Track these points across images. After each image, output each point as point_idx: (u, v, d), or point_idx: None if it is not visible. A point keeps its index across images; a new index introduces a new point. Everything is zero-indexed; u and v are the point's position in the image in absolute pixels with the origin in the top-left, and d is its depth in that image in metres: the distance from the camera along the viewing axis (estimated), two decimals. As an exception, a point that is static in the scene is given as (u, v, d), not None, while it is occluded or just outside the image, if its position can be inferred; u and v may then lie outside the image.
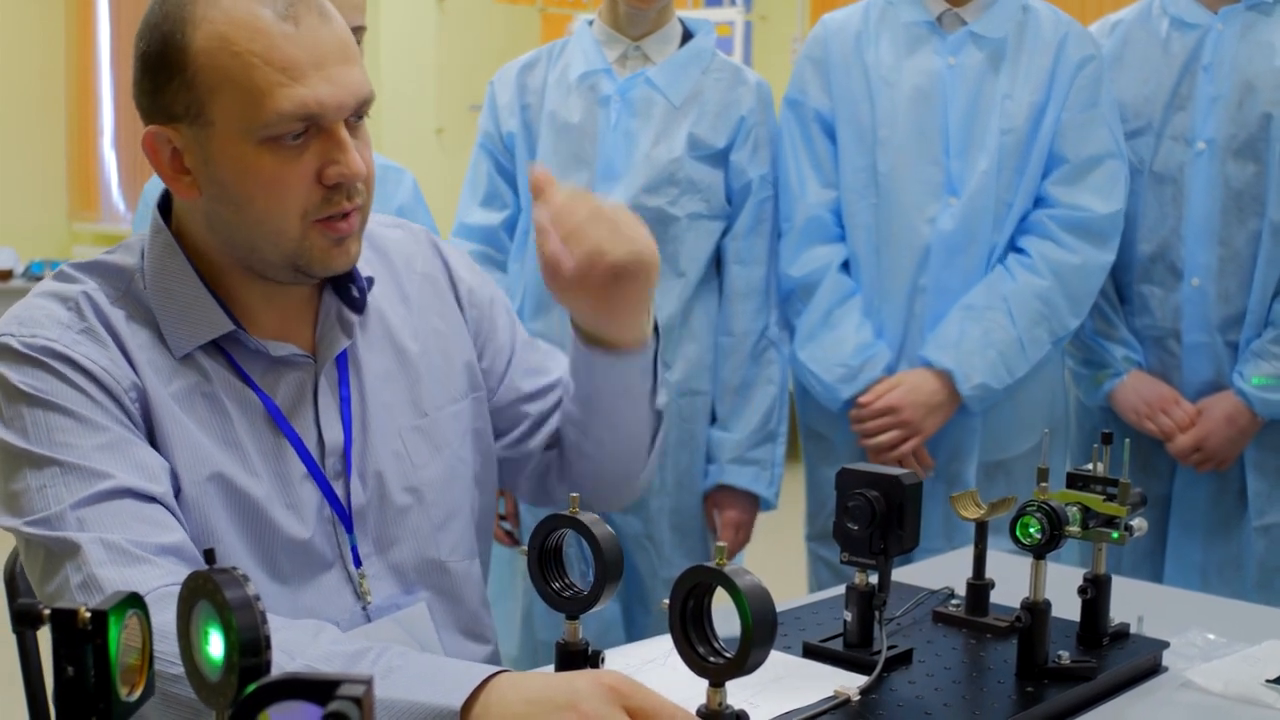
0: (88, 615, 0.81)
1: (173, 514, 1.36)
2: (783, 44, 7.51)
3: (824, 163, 2.55)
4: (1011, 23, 2.50)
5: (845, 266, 2.55)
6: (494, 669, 1.22)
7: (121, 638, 0.83)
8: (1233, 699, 1.49)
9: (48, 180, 9.73)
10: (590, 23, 2.62)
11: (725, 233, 2.55)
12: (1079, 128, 2.47)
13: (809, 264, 2.52)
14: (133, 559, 1.28)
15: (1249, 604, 2.00)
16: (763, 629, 1.13)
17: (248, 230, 1.41)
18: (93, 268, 1.46)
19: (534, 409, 1.73)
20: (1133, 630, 1.62)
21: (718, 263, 2.57)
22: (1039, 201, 2.50)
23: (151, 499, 1.34)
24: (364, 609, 1.50)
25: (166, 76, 1.37)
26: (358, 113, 1.41)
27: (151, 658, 0.87)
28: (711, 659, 1.17)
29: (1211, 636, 1.66)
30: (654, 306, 1.64)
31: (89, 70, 9.71)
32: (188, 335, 1.43)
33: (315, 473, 1.48)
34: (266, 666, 0.83)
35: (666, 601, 1.19)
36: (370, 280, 1.55)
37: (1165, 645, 1.60)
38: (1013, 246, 2.50)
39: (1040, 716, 1.41)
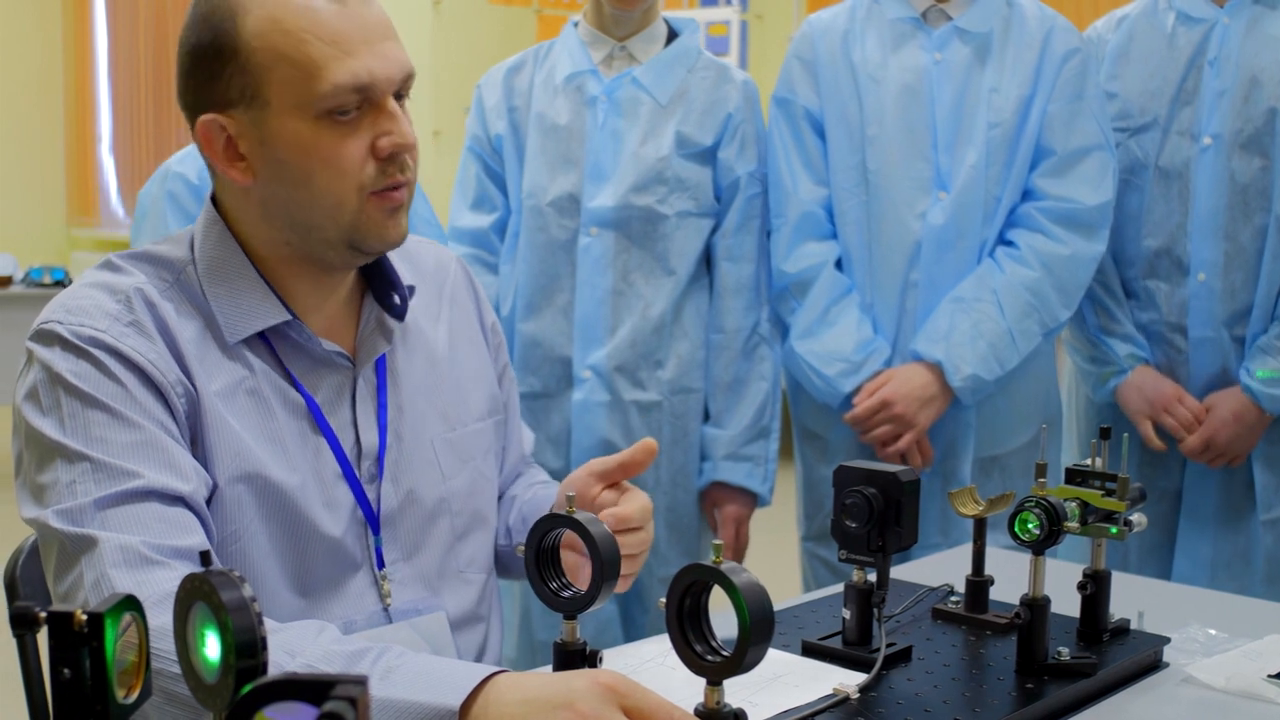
0: (84, 618, 0.81)
1: (198, 515, 1.36)
2: (778, 43, 7.51)
3: (815, 160, 2.55)
4: (996, 17, 2.51)
5: (839, 264, 2.55)
6: (493, 669, 1.22)
7: (119, 640, 0.83)
8: (1234, 694, 1.48)
9: (46, 186, 9.75)
10: (575, 24, 2.62)
11: (714, 230, 2.55)
12: (1065, 120, 2.47)
13: (803, 260, 2.52)
14: (147, 562, 1.28)
15: (1250, 599, 1.99)
16: (760, 627, 1.13)
17: (307, 208, 1.43)
18: (142, 258, 1.47)
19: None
20: (1133, 626, 1.62)
21: (707, 260, 2.57)
22: (1027, 194, 2.51)
23: (178, 499, 1.34)
24: (385, 610, 1.52)
25: (220, 64, 1.39)
26: (401, 89, 1.45)
27: (149, 659, 0.87)
28: (709, 657, 1.17)
29: (1212, 632, 1.66)
30: None
31: (87, 77, 9.72)
32: (242, 322, 1.44)
33: (349, 474, 1.50)
34: (263, 667, 0.82)
35: (664, 600, 1.19)
36: (411, 289, 1.57)
37: (1166, 641, 1.60)
38: (1002, 239, 2.51)
39: (1040, 713, 1.41)
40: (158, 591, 1.26)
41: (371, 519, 1.52)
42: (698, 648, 1.18)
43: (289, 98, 1.38)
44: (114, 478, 1.32)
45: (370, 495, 1.52)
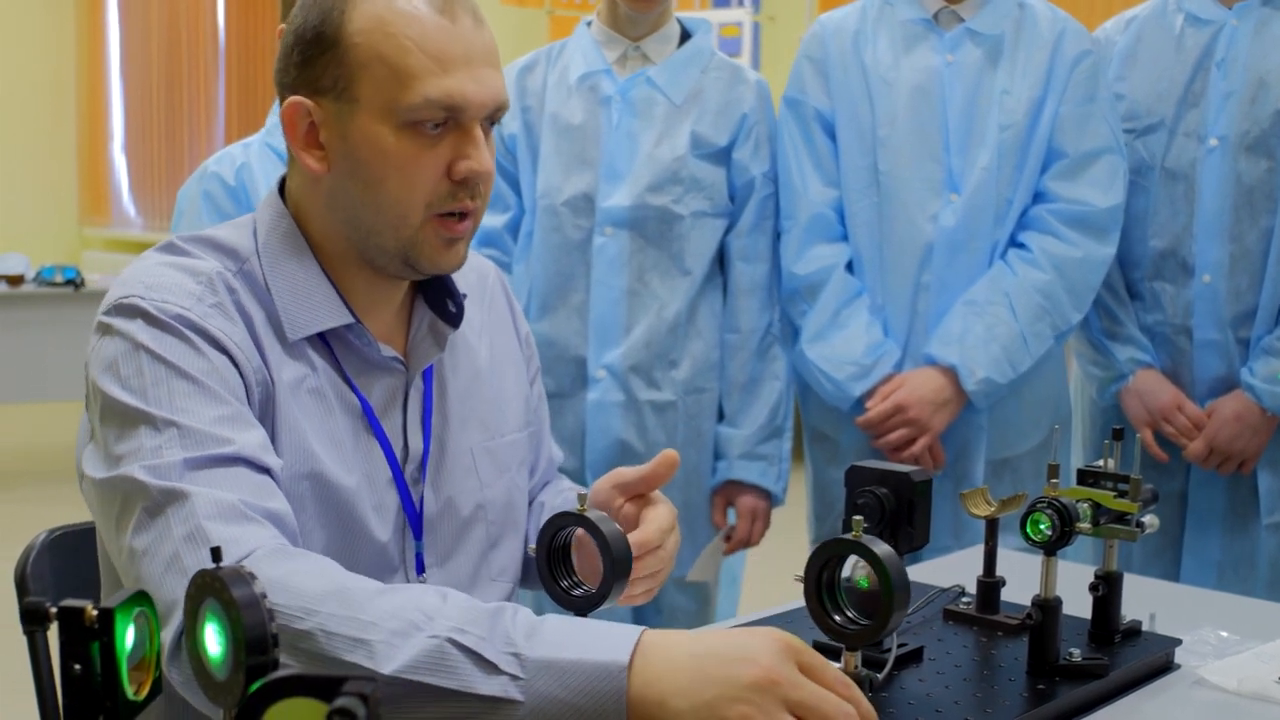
0: (94, 613, 0.81)
1: (281, 489, 1.34)
2: (791, 45, 7.49)
3: (825, 161, 2.55)
4: (1008, 20, 2.50)
5: (849, 266, 2.55)
6: (639, 627, 1.20)
7: (129, 635, 0.83)
8: (1246, 697, 1.48)
9: (58, 186, 9.78)
10: (588, 23, 2.62)
11: (728, 230, 2.55)
12: (1077, 122, 2.47)
13: (814, 262, 2.52)
14: (243, 517, 1.26)
15: (1262, 601, 1.99)
16: (901, 593, 1.19)
17: (372, 212, 1.42)
18: (205, 243, 1.45)
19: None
20: (1145, 628, 1.62)
21: (721, 260, 2.57)
22: (1038, 196, 2.51)
23: (265, 470, 1.32)
24: None
25: (319, 50, 1.40)
26: (492, 117, 1.44)
27: (159, 656, 0.87)
28: (850, 627, 1.23)
29: (1224, 634, 1.66)
30: None
31: (99, 76, 9.75)
32: (305, 321, 1.43)
33: (399, 478, 1.50)
34: (274, 664, 0.82)
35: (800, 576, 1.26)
36: (465, 297, 1.56)
37: (1178, 643, 1.60)
38: (1014, 242, 2.51)
39: (1052, 714, 1.40)
40: (263, 547, 1.24)
41: (415, 524, 1.51)
42: (837, 618, 1.24)
43: (378, 100, 1.38)
44: (203, 443, 1.29)
45: (415, 499, 1.51)
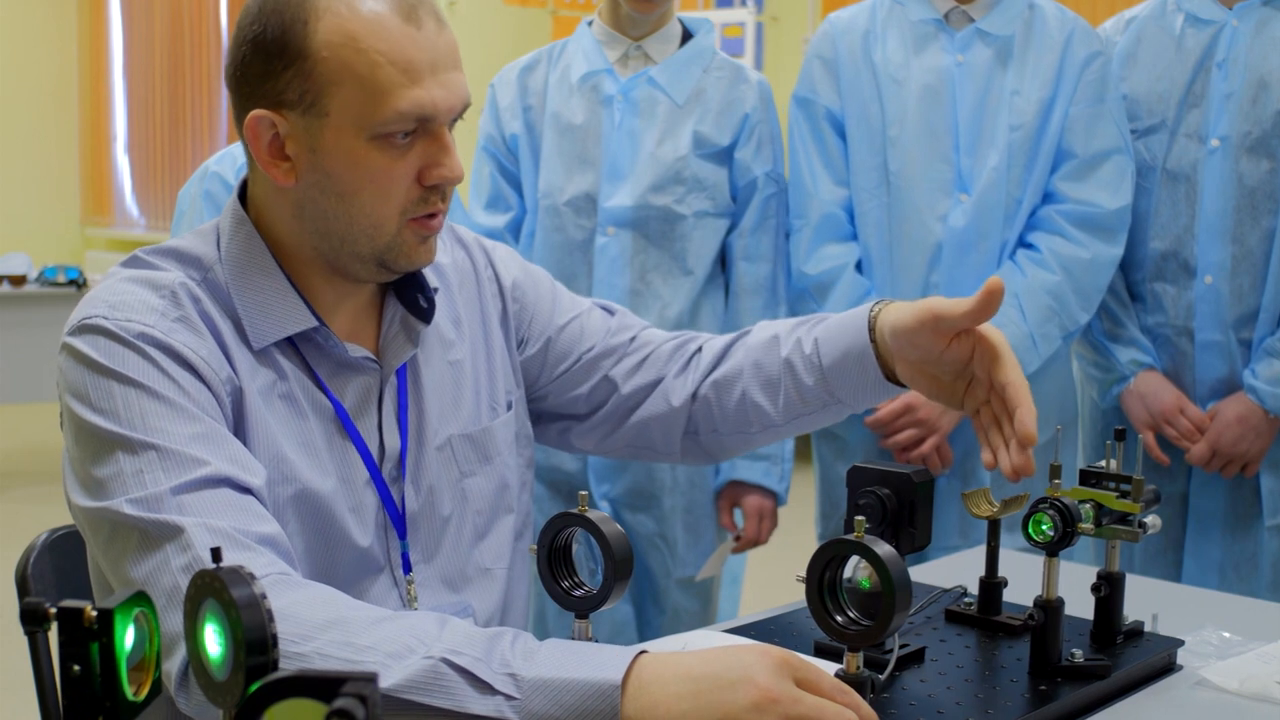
0: (94, 614, 0.81)
1: (265, 506, 1.34)
2: (794, 45, 7.50)
3: (835, 161, 2.55)
4: (1018, 20, 2.50)
5: (859, 265, 2.54)
6: (638, 647, 1.20)
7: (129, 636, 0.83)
8: (1248, 697, 1.48)
9: (61, 186, 9.79)
10: (590, 23, 2.62)
11: (730, 230, 2.55)
12: (1086, 123, 2.47)
13: (824, 262, 2.52)
14: (239, 545, 1.25)
15: (1264, 602, 1.98)
16: (903, 593, 1.19)
17: (346, 221, 1.42)
18: (169, 254, 1.44)
19: (617, 369, 1.75)
20: (1147, 628, 1.61)
21: (723, 260, 2.57)
22: (1047, 197, 2.50)
23: (247, 490, 1.32)
24: None
25: (283, 63, 1.37)
26: (459, 117, 1.44)
27: (159, 657, 0.87)
28: (852, 628, 1.23)
29: (1226, 635, 1.65)
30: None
31: (102, 76, 9.76)
32: (269, 328, 1.42)
33: (377, 478, 1.49)
34: (273, 664, 0.82)
35: (801, 575, 1.25)
36: (435, 290, 1.56)
37: (1180, 643, 1.59)
38: (1022, 242, 2.50)
39: (1053, 715, 1.40)
40: (265, 578, 1.23)
41: (398, 523, 1.50)
42: (839, 619, 1.24)
43: (349, 115, 1.37)
44: (183, 465, 1.28)
45: (395, 499, 1.51)
